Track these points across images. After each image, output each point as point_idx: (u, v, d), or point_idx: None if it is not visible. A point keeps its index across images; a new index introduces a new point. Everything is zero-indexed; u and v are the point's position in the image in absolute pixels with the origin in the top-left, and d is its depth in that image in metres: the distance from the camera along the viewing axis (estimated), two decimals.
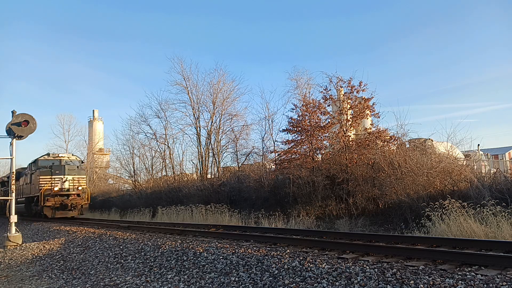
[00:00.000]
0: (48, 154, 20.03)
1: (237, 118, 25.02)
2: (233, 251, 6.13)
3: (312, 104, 18.24)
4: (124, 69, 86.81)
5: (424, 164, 12.27)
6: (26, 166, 23.50)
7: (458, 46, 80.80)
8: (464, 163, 13.45)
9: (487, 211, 8.13)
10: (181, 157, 28.11)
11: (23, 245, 11.29)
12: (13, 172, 12.80)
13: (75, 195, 18.53)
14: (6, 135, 12.25)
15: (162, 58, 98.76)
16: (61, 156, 20.09)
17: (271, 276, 4.75)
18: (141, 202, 23.92)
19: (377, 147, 15.24)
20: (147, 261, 6.75)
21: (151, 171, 29.13)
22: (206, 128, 25.32)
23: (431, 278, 3.74)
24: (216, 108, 25.16)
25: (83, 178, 19.68)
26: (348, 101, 17.43)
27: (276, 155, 19.81)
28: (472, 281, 3.53)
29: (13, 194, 12.71)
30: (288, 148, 18.50)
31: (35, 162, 19.93)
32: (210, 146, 24.96)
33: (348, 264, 4.61)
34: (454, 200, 8.60)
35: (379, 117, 16.98)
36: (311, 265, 4.76)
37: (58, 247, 9.93)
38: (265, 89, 65.39)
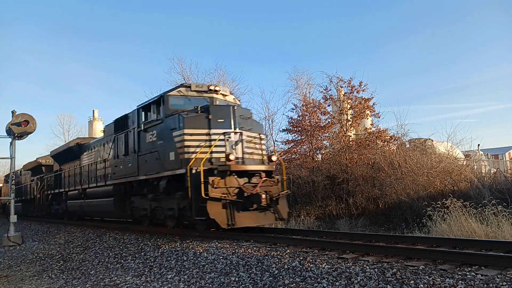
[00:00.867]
0: (183, 86, 9.00)
1: None
2: (233, 251, 6.13)
3: (312, 104, 18.26)
4: (124, 69, 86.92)
5: (424, 164, 12.27)
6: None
7: (458, 46, 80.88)
8: (464, 163, 13.45)
9: (488, 211, 8.13)
10: None
11: (23, 245, 11.29)
12: (13, 172, 12.81)
13: (265, 173, 8.09)
14: (6, 135, 12.27)
15: (162, 58, 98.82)
16: (214, 90, 8.99)
17: (271, 276, 4.74)
18: None
19: (377, 147, 15.25)
20: (147, 261, 6.75)
21: None
22: None
23: (431, 278, 3.74)
24: None
25: (263, 140, 9.02)
26: (348, 101, 17.45)
27: (277, 154, 19.81)
28: (472, 281, 3.53)
29: (13, 195, 12.72)
30: (288, 148, 18.52)
31: (153, 103, 8.96)
32: None
33: (348, 264, 4.60)
34: (455, 200, 8.59)
35: (379, 117, 17.01)
36: (311, 265, 4.76)
37: (58, 247, 9.93)
38: (265, 89, 65.45)
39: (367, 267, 4.34)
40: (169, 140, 8.00)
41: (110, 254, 7.92)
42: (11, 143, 12.36)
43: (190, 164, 7.22)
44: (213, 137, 7.61)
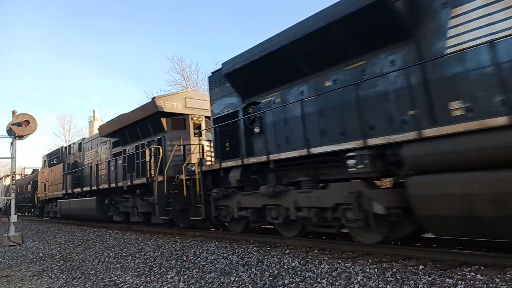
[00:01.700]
0: None
1: None
2: (233, 251, 6.13)
3: None
4: (124, 69, 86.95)
5: None
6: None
7: None
8: None
9: None
10: None
11: (23, 245, 11.30)
12: (13, 172, 12.82)
13: None
14: (7, 135, 12.28)
15: (162, 58, 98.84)
16: None
17: (271, 276, 4.74)
18: None
19: None
20: (147, 261, 6.75)
21: None
22: None
23: (431, 278, 3.74)
24: None
25: None
26: None
27: None
28: (472, 281, 3.53)
29: (13, 194, 12.72)
30: None
31: None
32: None
33: (348, 264, 4.61)
34: None
35: None
36: (311, 265, 4.76)
37: (58, 247, 9.94)
38: None
39: (367, 267, 4.34)
40: None
41: (110, 254, 7.92)
42: (11, 143, 12.37)
43: None
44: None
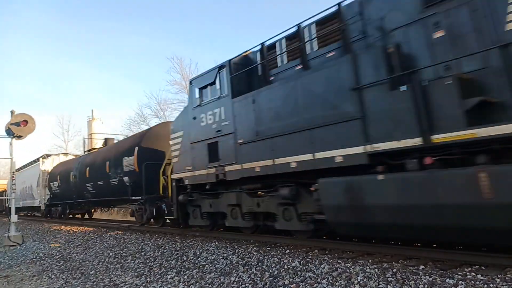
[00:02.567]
0: None
1: None
2: (233, 251, 6.13)
3: None
4: (123, 69, 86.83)
5: None
6: None
7: None
8: None
9: None
10: None
11: (23, 245, 11.29)
12: (13, 172, 12.80)
13: None
14: (6, 135, 12.26)
15: (162, 57, 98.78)
16: None
17: (271, 276, 4.74)
18: None
19: None
20: (147, 261, 6.75)
21: None
22: None
23: (431, 278, 3.73)
24: None
25: None
26: None
27: None
28: (472, 281, 3.52)
29: (13, 194, 12.71)
30: None
31: None
32: None
33: (348, 264, 4.60)
34: None
35: None
36: (311, 265, 4.76)
37: (58, 247, 9.93)
38: None
39: (367, 267, 4.34)
40: None
41: (110, 254, 7.92)
42: (10, 143, 12.35)
43: None
44: None
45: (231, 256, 5.86)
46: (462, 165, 4.02)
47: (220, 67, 7.43)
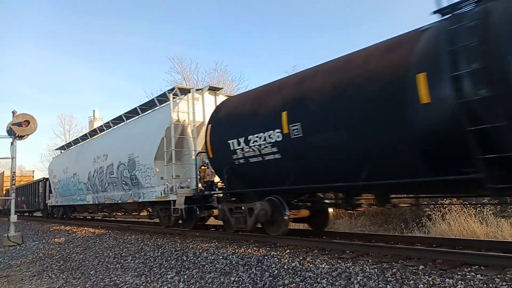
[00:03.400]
0: None
1: None
2: (233, 251, 6.13)
3: None
4: (123, 69, 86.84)
5: None
6: None
7: None
8: None
9: (487, 211, 8.14)
10: None
11: (23, 245, 11.30)
12: (13, 172, 12.82)
13: None
14: (7, 135, 12.29)
15: (162, 58, 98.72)
16: None
17: (271, 276, 4.75)
18: None
19: None
20: (147, 261, 6.76)
21: None
22: None
23: (431, 278, 3.74)
24: None
25: None
26: None
27: None
28: (472, 281, 3.53)
29: (13, 194, 12.73)
30: None
31: None
32: None
33: (348, 264, 4.60)
34: (455, 199, 8.59)
35: None
36: (311, 265, 4.76)
37: (58, 247, 9.94)
38: None
39: (367, 267, 4.34)
40: None
41: (110, 254, 7.92)
42: (12, 143, 12.37)
43: None
44: None
45: (231, 256, 5.87)
46: None
47: None
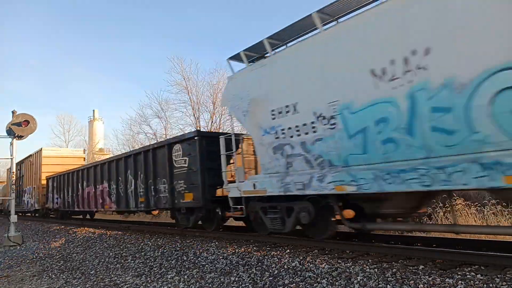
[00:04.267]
0: None
1: None
2: (233, 251, 6.13)
3: None
4: (124, 69, 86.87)
5: None
6: None
7: None
8: None
9: (488, 211, 8.14)
10: None
11: (23, 245, 11.30)
12: (13, 172, 12.81)
13: None
14: (7, 135, 12.28)
15: (162, 58, 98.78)
16: None
17: (271, 276, 4.75)
18: None
19: None
20: (147, 261, 6.76)
21: None
22: (206, 128, 25.30)
23: (431, 278, 3.74)
24: (216, 108, 25.13)
25: None
26: None
27: None
28: (472, 281, 3.53)
29: (13, 194, 12.72)
30: None
31: None
32: None
33: (348, 264, 4.61)
34: (457, 199, 8.59)
35: None
36: (311, 265, 4.76)
37: (58, 247, 9.93)
38: None
39: (367, 267, 4.34)
40: None
41: (110, 254, 7.92)
42: (11, 143, 12.36)
43: None
44: None
45: (231, 256, 5.87)
46: None
47: None
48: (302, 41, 6.07)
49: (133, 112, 66.18)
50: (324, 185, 5.40)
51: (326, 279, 4.26)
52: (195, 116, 25.58)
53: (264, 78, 6.42)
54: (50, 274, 7.13)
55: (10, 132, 12.16)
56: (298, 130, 5.79)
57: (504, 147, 3.67)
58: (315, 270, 4.58)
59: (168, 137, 26.71)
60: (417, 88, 4.25)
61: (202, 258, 6.14)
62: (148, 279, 5.70)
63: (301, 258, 5.17)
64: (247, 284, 4.66)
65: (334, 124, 5.22)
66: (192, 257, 6.29)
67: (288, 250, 5.80)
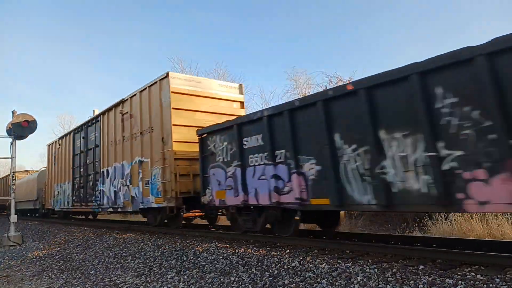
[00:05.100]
0: None
1: None
2: (233, 251, 6.13)
3: None
4: (124, 69, 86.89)
5: None
6: None
7: (456, 38, 79.65)
8: None
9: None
10: None
11: (23, 245, 11.31)
12: (13, 172, 12.82)
13: None
14: (7, 135, 12.29)
15: (162, 58, 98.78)
16: None
17: (271, 276, 4.74)
18: None
19: None
20: (147, 261, 6.76)
21: None
22: None
23: (431, 278, 3.74)
24: None
25: None
26: None
27: None
28: (472, 281, 3.53)
29: (13, 194, 12.72)
30: None
31: None
32: None
33: (348, 264, 4.60)
34: None
35: None
36: (311, 265, 4.76)
37: (58, 247, 9.94)
38: (264, 89, 65.16)
39: (367, 267, 4.34)
40: None
41: (110, 254, 7.92)
42: (11, 143, 12.37)
43: None
44: None
45: (231, 256, 5.87)
46: None
47: None
48: None
49: None
50: None
51: (326, 279, 4.26)
52: None
53: None
54: (50, 274, 7.13)
55: (10, 132, 12.18)
56: None
57: None
58: (315, 270, 4.58)
59: None
60: None
61: (202, 258, 6.14)
62: (148, 279, 5.70)
63: (301, 258, 5.16)
64: (247, 284, 4.66)
65: None
66: (192, 257, 6.29)
67: (288, 250, 5.80)
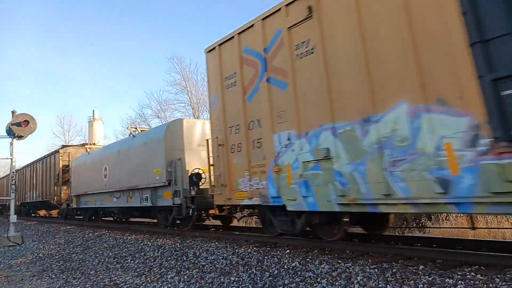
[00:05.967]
0: None
1: None
2: (233, 251, 6.13)
3: None
4: (123, 69, 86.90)
5: None
6: None
7: None
8: None
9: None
10: None
11: (23, 245, 11.30)
12: (13, 172, 12.80)
13: None
14: (6, 135, 12.28)
15: (162, 58, 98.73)
16: None
17: (271, 276, 4.74)
18: None
19: None
20: (147, 261, 6.75)
21: None
22: None
23: (431, 278, 3.74)
24: None
25: None
26: None
27: None
28: (472, 281, 3.53)
29: (13, 194, 12.71)
30: None
31: None
32: None
33: (348, 264, 4.61)
34: None
35: None
36: (311, 265, 4.76)
37: (58, 247, 9.93)
38: None
39: (367, 267, 4.34)
40: None
41: (110, 254, 7.92)
42: (11, 143, 12.36)
43: None
44: None
45: (231, 256, 5.87)
46: None
47: None
48: None
49: (133, 112, 66.07)
50: None
51: (326, 279, 4.26)
52: (195, 116, 25.58)
53: None
54: (50, 274, 7.13)
55: (10, 132, 12.17)
56: None
57: None
58: (315, 270, 4.58)
59: None
60: None
61: (202, 258, 6.14)
62: (148, 279, 5.70)
63: (301, 258, 5.17)
64: (247, 284, 4.65)
65: None
66: (192, 257, 6.28)
67: (288, 250, 5.80)
